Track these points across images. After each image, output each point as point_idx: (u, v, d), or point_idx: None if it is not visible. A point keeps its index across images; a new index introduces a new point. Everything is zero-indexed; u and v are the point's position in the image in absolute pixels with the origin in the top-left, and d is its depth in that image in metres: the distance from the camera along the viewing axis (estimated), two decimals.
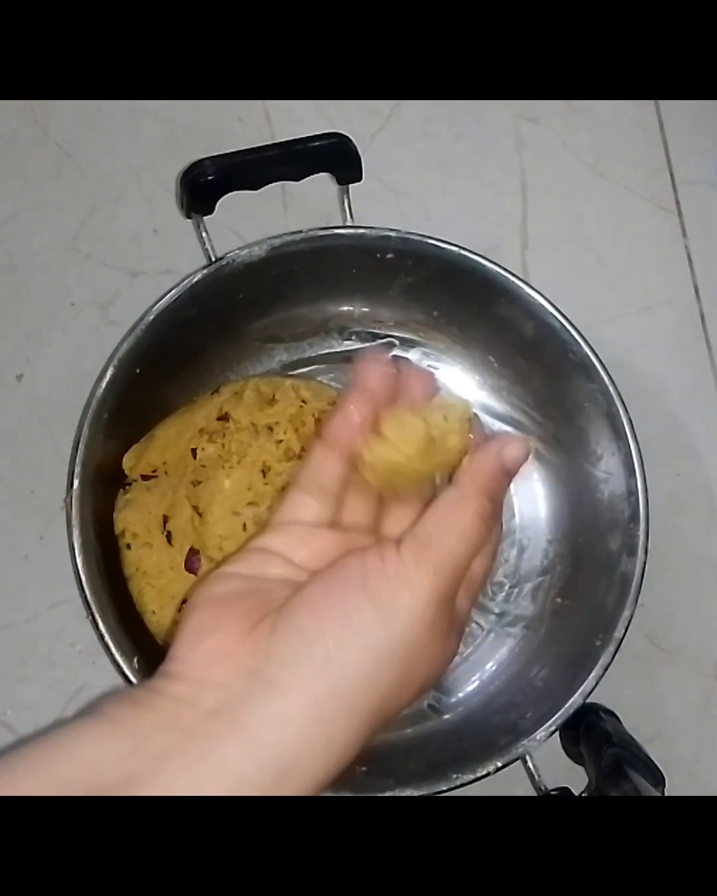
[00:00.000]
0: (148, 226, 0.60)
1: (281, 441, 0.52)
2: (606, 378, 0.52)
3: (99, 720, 0.29)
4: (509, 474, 0.34)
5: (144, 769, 0.28)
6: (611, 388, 0.52)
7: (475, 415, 0.36)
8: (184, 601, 0.51)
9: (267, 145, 0.51)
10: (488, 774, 0.48)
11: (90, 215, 0.60)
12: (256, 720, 0.29)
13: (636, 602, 0.50)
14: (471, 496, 0.33)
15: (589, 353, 0.52)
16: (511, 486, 0.56)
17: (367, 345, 0.59)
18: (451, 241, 0.53)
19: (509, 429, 0.58)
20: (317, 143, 0.50)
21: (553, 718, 0.48)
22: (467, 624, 0.35)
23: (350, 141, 0.51)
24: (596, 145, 0.64)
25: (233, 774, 0.28)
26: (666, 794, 0.48)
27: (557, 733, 0.49)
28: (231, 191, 0.51)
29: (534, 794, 0.49)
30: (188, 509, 0.52)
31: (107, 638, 0.47)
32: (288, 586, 0.33)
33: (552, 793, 0.49)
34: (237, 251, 0.52)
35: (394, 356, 0.59)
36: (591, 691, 0.49)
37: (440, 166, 0.63)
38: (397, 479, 0.35)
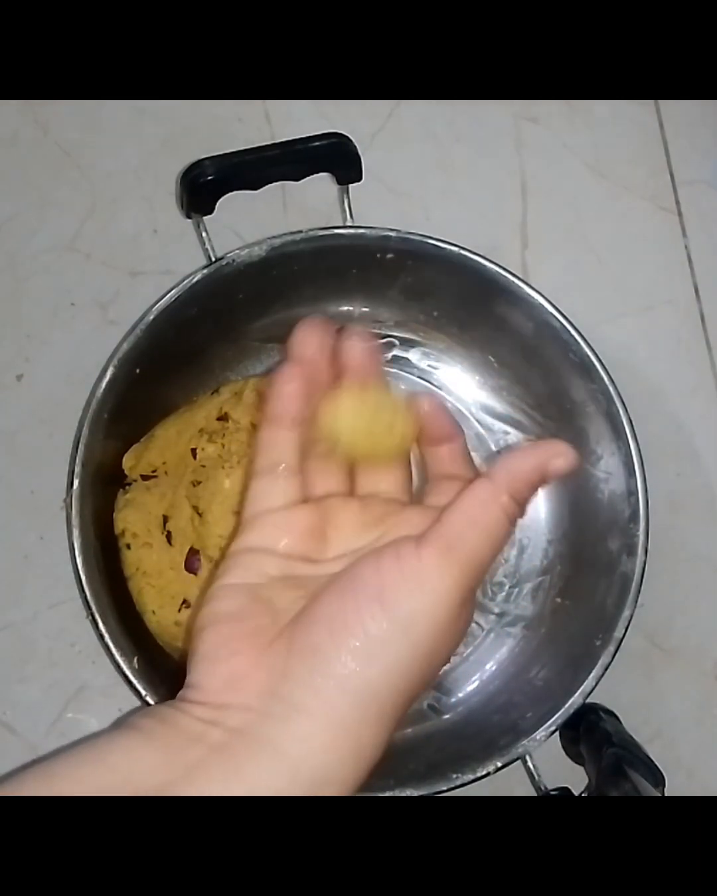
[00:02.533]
0: (148, 226, 0.60)
1: None
2: (606, 378, 0.52)
3: (132, 732, 0.29)
4: (545, 482, 0.32)
5: (178, 779, 0.28)
6: (611, 388, 0.52)
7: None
8: (184, 601, 0.51)
9: (267, 145, 0.51)
10: (488, 774, 0.48)
11: (90, 215, 0.60)
12: (282, 738, 0.29)
13: (636, 602, 0.50)
14: (503, 494, 0.31)
15: (589, 353, 0.52)
16: None
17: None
18: (451, 241, 0.53)
19: (509, 429, 0.58)
20: (317, 143, 0.50)
21: (553, 718, 0.48)
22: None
23: (350, 141, 0.51)
24: (596, 145, 0.64)
25: (265, 789, 0.28)
26: (666, 794, 0.48)
27: (557, 733, 0.49)
28: (231, 191, 0.51)
29: (534, 794, 0.49)
30: (188, 509, 0.52)
31: (107, 638, 0.47)
32: (290, 586, 0.32)
33: (552, 793, 0.49)
34: (237, 251, 0.52)
35: (394, 356, 0.59)
36: (591, 691, 0.49)
37: (440, 166, 0.63)
38: (357, 447, 0.34)
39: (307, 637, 0.30)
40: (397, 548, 0.30)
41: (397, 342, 0.59)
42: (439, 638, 0.30)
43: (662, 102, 0.65)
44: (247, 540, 0.34)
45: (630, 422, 0.52)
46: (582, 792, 0.49)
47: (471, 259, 0.53)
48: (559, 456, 0.32)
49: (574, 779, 0.50)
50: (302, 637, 0.30)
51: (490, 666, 0.55)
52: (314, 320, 0.34)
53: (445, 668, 0.54)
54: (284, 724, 0.29)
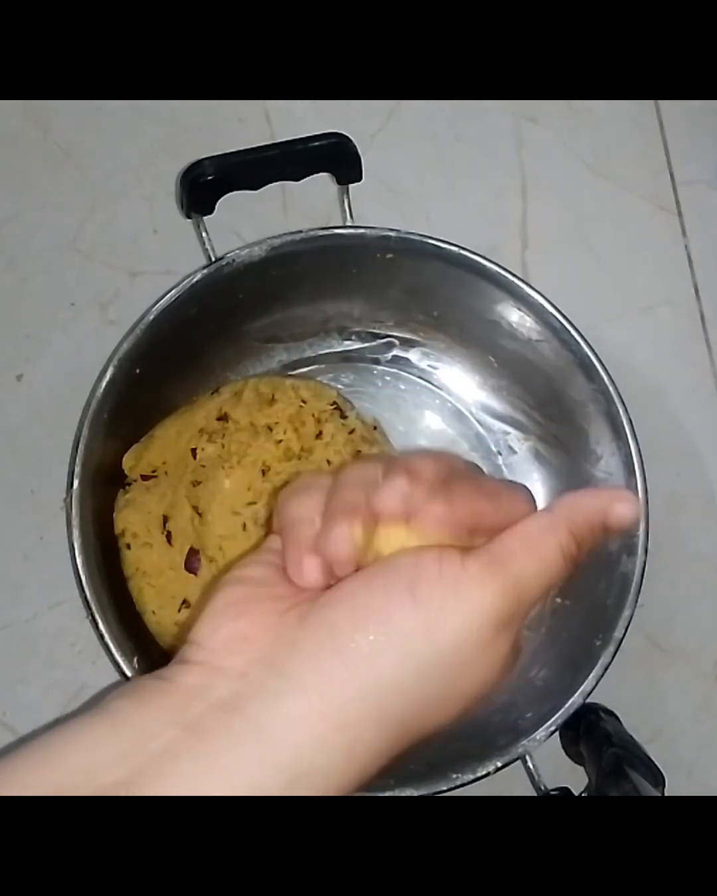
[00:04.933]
0: (148, 226, 0.60)
1: (281, 441, 0.52)
2: (606, 378, 0.52)
3: (102, 717, 0.27)
4: (607, 530, 0.31)
5: (145, 770, 0.26)
6: (611, 388, 0.52)
7: None
8: (184, 601, 0.51)
9: (267, 145, 0.51)
10: (488, 774, 0.47)
11: (90, 215, 0.60)
12: (269, 717, 0.27)
13: (636, 602, 0.50)
14: (561, 528, 0.30)
15: (589, 353, 0.52)
16: None
17: (367, 344, 0.59)
18: (451, 241, 0.53)
19: (509, 429, 0.58)
20: (317, 143, 0.50)
21: (553, 718, 0.48)
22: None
23: (350, 141, 0.51)
24: (596, 145, 0.64)
25: (239, 779, 0.26)
26: (666, 794, 0.48)
27: (557, 733, 0.49)
28: (231, 191, 0.51)
29: (534, 794, 0.49)
30: (188, 509, 0.52)
31: (107, 638, 0.47)
32: None
33: (552, 793, 0.49)
34: (237, 251, 0.52)
35: (394, 356, 0.59)
36: (591, 691, 0.49)
37: (440, 166, 0.63)
38: None
39: (325, 612, 0.28)
40: (442, 551, 0.29)
41: (397, 342, 0.59)
42: (466, 657, 0.28)
43: (662, 102, 0.65)
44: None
45: (630, 422, 0.52)
46: (582, 792, 0.49)
47: (471, 259, 0.53)
48: (621, 501, 0.31)
49: (574, 779, 0.50)
50: (319, 612, 0.28)
51: None
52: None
53: None
54: (276, 699, 0.27)
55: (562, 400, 0.55)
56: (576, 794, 0.49)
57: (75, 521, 0.48)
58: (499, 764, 0.48)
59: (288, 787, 0.26)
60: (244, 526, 0.51)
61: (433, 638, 0.27)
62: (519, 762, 0.48)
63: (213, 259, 0.52)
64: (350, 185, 0.54)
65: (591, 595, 0.53)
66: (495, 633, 0.28)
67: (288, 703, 0.27)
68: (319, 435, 0.53)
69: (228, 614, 0.29)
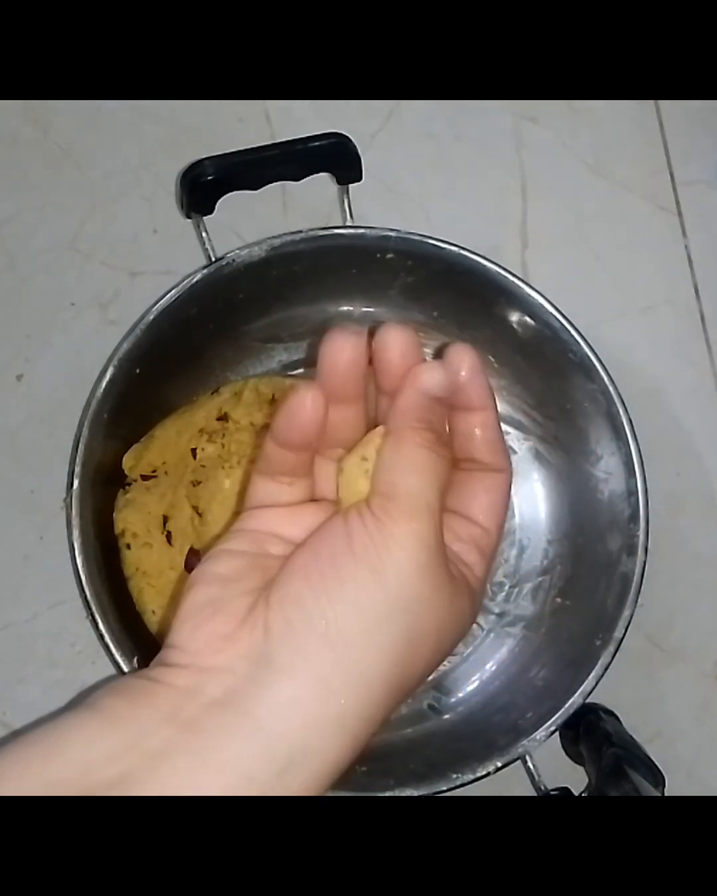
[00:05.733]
0: (148, 226, 0.60)
1: None
2: (606, 378, 0.52)
3: (93, 715, 0.28)
4: (435, 398, 0.32)
5: (139, 768, 0.26)
6: (611, 388, 0.52)
7: None
8: None
9: (267, 145, 0.51)
10: (488, 774, 0.48)
11: (90, 215, 0.60)
12: (261, 708, 0.27)
13: (636, 602, 0.50)
14: (404, 432, 0.31)
15: (589, 353, 0.52)
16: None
17: None
18: (451, 241, 0.53)
19: (509, 429, 0.58)
20: (317, 143, 0.50)
21: (553, 718, 0.48)
22: (485, 595, 0.34)
23: (350, 141, 0.51)
24: (596, 145, 0.64)
25: (234, 770, 0.27)
26: (666, 794, 0.48)
27: (557, 733, 0.49)
28: (231, 191, 0.51)
29: (534, 794, 0.49)
30: (188, 509, 0.52)
31: (107, 638, 0.47)
32: None
33: (552, 793, 0.49)
34: (237, 251, 0.52)
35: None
36: (591, 691, 0.49)
37: (440, 166, 0.63)
38: None
39: (285, 588, 0.29)
40: (359, 506, 0.31)
41: None
42: (416, 590, 0.29)
43: (662, 102, 0.65)
44: (253, 523, 0.33)
45: (630, 422, 0.52)
46: (582, 792, 0.49)
47: (471, 259, 0.53)
48: (423, 372, 0.32)
49: (574, 779, 0.50)
50: (280, 589, 0.29)
51: (490, 666, 0.55)
52: (345, 331, 0.32)
53: (444, 668, 0.55)
54: (265, 689, 0.28)
55: (562, 400, 0.55)
56: (576, 794, 0.49)
57: (75, 521, 0.48)
58: (499, 764, 0.48)
59: (282, 772, 0.27)
60: None
61: (383, 582, 0.29)
62: (519, 762, 0.48)
63: (213, 259, 0.52)
64: (350, 185, 0.54)
65: (591, 595, 0.53)
66: (430, 555, 0.30)
67: (277, 690, 0.28)
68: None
69: (204, 614, 0.30)
